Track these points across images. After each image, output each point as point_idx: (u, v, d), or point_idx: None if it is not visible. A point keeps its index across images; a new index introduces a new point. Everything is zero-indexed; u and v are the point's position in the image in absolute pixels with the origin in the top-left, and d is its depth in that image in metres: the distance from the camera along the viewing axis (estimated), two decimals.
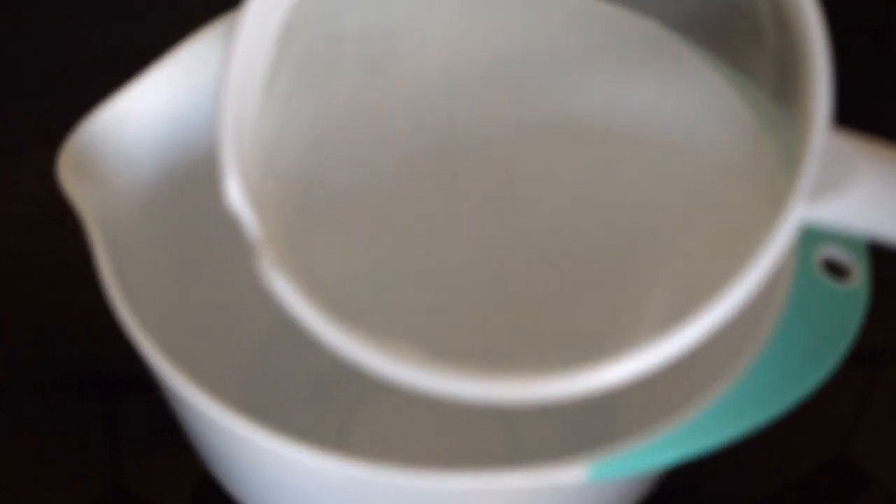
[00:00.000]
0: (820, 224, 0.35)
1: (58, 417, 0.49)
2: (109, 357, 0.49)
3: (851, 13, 0.61)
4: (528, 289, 0.48)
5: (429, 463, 0.37)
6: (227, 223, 0.36)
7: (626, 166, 0.45)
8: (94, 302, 0.40)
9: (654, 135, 0.44)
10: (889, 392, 0.51)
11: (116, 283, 0.39)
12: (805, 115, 0.34)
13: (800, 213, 0.34)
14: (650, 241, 0.44)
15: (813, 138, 0.34)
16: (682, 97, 0.43)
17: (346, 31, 0.43)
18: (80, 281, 0.44)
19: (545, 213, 0.47)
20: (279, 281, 0.35)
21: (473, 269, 0.48)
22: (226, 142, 0.35)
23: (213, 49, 0.43)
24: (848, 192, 0.35)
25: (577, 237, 0.46)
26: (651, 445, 0.37)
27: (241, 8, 0.36)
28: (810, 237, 0.40)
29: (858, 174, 0.35)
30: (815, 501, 0.48)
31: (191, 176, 0.44)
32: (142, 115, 0.43)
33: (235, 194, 0.35)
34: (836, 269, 0.41)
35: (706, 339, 0.34)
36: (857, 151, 0.35)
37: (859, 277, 0.40)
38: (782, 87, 0.36)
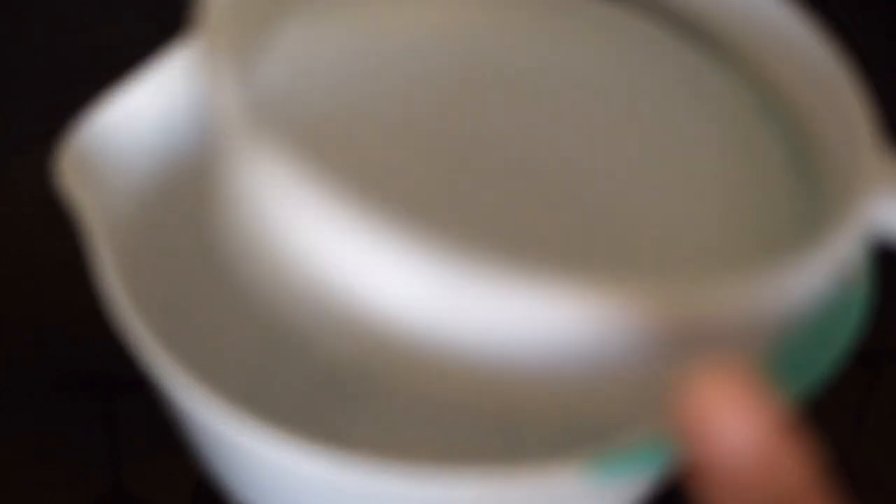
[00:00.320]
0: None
1: (58, 417, 0.49)
2: (109, 357, 0.49)
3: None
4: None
5: (429, 463, 0.37)
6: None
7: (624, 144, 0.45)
8: (94, 302, 0.40)
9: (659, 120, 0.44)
10: (891, 392, 0.51)
11: (116, 283, 0.39)
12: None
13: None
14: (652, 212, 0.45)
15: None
16: (689, 94, 0.43)
17: None
18: (80, 281, 0.44)
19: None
20: None
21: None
22: None
23: None
24: None
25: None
26: (651, 445, 0.37)
27: None
28: None
29: None
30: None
31: (191, 175, 0.44)
32: (141, 114, 0.43)
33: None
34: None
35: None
36: None
37: (861, 277, 0.40)
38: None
